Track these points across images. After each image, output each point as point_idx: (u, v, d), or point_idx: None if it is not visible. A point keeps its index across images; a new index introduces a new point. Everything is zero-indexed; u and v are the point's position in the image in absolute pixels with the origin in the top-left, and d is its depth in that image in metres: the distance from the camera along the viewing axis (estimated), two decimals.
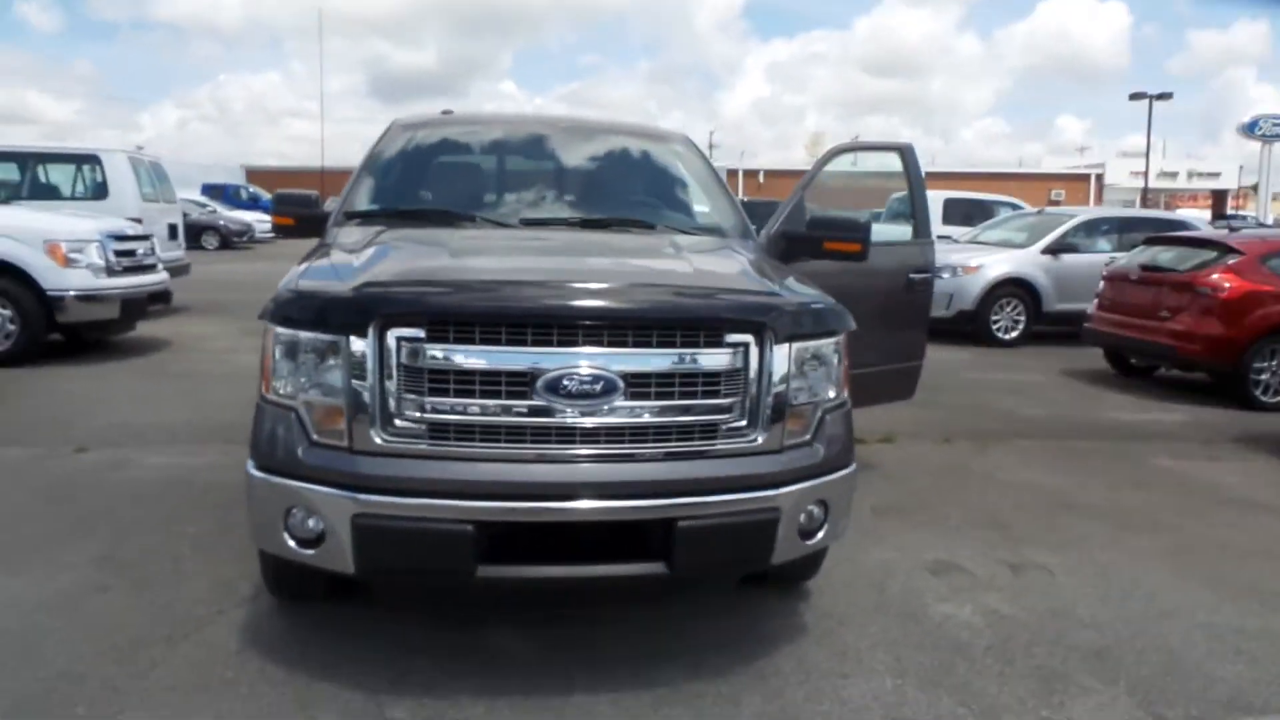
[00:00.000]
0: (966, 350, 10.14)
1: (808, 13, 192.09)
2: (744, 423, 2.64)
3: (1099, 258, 10.02)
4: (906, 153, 4.78)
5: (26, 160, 10.69)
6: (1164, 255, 8.35)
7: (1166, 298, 7.78)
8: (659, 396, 2.55)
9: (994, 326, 10.53)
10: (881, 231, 7.14)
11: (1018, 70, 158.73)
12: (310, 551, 2.52)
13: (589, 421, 2.49)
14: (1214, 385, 7.77)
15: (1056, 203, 38.50)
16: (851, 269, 4.42)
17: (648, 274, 2.78)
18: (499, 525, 2.44)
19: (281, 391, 2.57)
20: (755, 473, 2.61)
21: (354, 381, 2.46)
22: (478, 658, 2.85)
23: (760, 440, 2.65)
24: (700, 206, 4.12)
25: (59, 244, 7.24)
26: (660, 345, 2.55)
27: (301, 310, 2.56)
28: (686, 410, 2.58)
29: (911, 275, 4.66)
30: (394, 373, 2.46)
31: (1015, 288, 10.52)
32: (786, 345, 2.68)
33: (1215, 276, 7.48)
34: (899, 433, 6.04)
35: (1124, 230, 10.96)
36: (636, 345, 2.53)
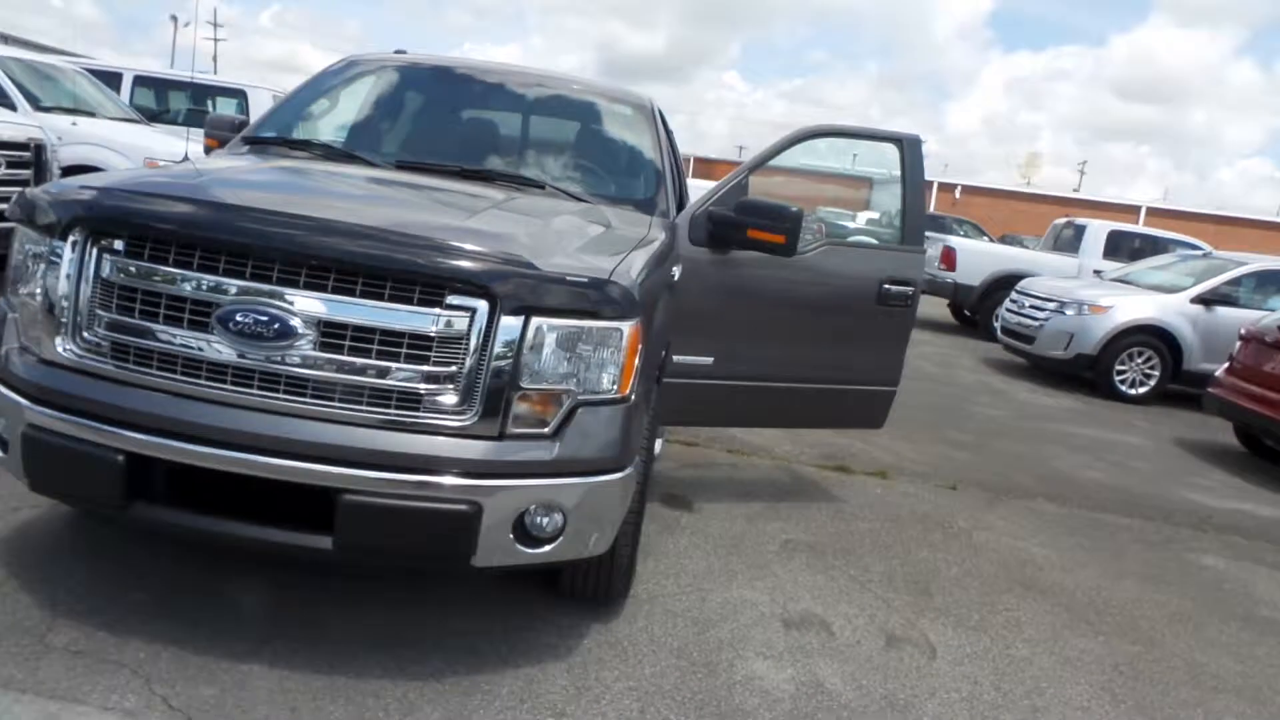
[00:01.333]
0: (1076, 399, 8.94)
1: (1061, 24, 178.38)
2: (455, 399, 2.29)
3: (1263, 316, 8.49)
4: (908, 145, 4.12)
5: (190, 89, 11.68)
6: None
7: None
8: (354, 353, 2.26)
9: (1118, 378, 9.21)
10: (861, 232, 6.35)
11: None
12: (3, 455, 2.44)
13: (269, 368, 2.24)
14: None
15: None
16: (809, 269, 3.91)
17: (414, 225, 2.47)
18: (149, 461, 2.24)
19: (11, 291, 2.51)
20: (452, 456, 2.27)
21: (58, 288, 2.35)
22: (191, 608, 2.68)
23: (471, 422, 2.29)
24: (622, 175, 3.74)
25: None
26: (365, 296, 2.26)
27: (27, 210, 2.47)
28: (384, 373, 2.27)
29: (886, 285, 4.02)
30: (90, 284, 2.32)
31: (1150, 336, 9.13)
32: (521, 318, 2.30)
33: None
34: (903, 470, 5.34)
35: None
36: (337, 292, 2.25)
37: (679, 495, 4.29)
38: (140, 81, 11.73)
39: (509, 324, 2.29)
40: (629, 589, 3.06)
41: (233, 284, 2.24)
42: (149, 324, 2.28)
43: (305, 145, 3.48)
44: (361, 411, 2.26)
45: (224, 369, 2.25)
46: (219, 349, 2.24)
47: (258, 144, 3.54)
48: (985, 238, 19.93)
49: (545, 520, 2.42)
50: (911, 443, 6.07)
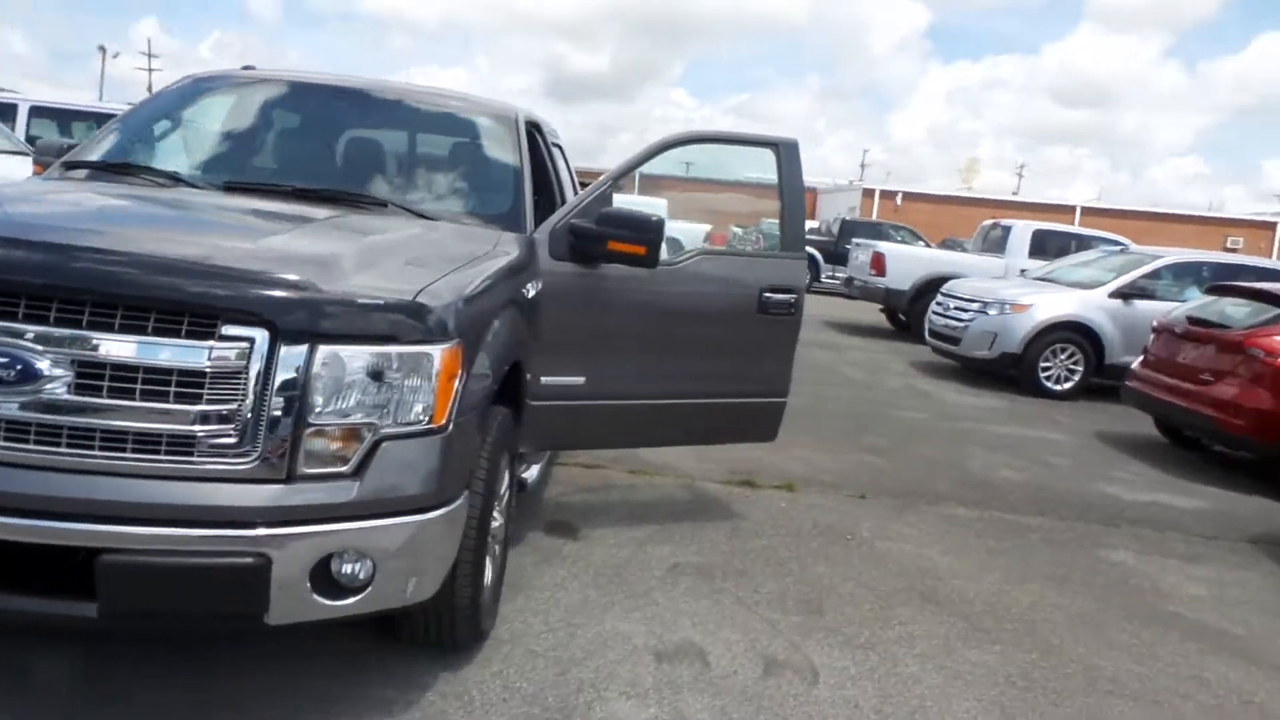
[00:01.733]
0: (1002, 397, 8.92)
1: (996, 35, 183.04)
2: (234, 440, 2.06)
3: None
4: (783, 150, 3.99)
5: (94, 119, 11.26)
6: (1226, 308, 6.96)
7: (1214, 359, 6.45)
8: (115, 394, 2.02)
9: (1043, 374, 9.22)
10: (737, 238, 6.25)
11: (1224, 108, 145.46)
12: None
13: (19, 415, 2.00)
14: (1266, 471, 6.37)
15: (1233, 250, 34.59)
16: (681, 279, 3.75)
17: (190, 249, 2.24)
18: None
19: None
20: (231, 505, 2.03)
21: None
22: None
23: (252, 465, 2.06)
24: (477, 190, 3.56)
25: None
26: (125, 330, 2.02)
27: None
28: (150, 415, 2.03)
29: (766, 293, 3.87)
30: None
31: (1072, 333, 9.16)
32: (305, 346, 2.08)
33: (1276, 339, 6.12)
34: (813, 482, 5.20)
35: (1221, 278, 9.36)
36: (93, 328, 2.02)
37: (565, 522, 4.08)
38: (38, 112, 11.29)
39: (291, 354, 2.07)
40: (482, 631, 2.83)
41: None
42: None
43: (126, 169, 3.23)
44: (126, 460, 2.02)
45: None
46: None
47: (76, 168, 3.29)
48: (921, 243, 20.09)
49: (351, 568, 2.19)
50: (827, 452, 5.94)
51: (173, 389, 2.03)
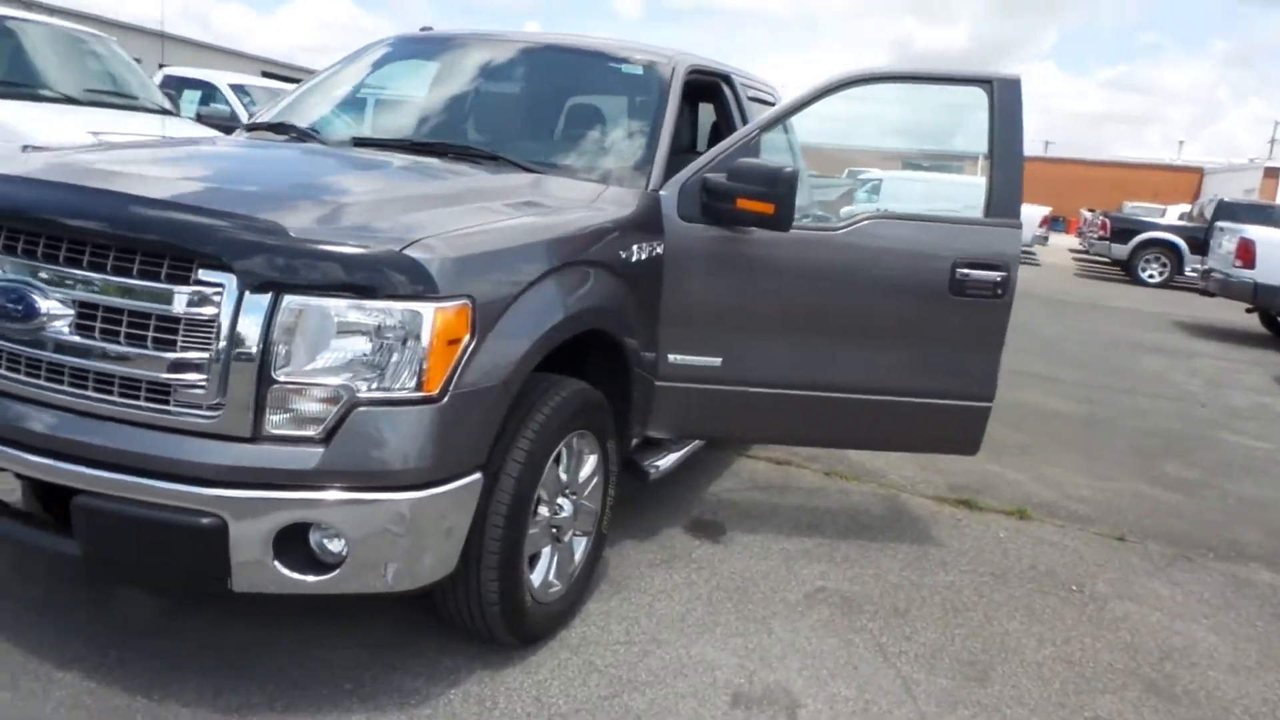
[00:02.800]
0: None
1: None
2: (203, 393, 1.95)
3: None
4: (999, 88, 3.14)
5: None
6: None
7: None
8: (104, 336, 2.00)
9: None
10: (927, 194, 5.02)
11: None
12: None
13: (28, 351, 2.05)
14: None
15: None
16: (844, 247, 3.16)
17: (205, 193, 2.17)
18: None
19: None
20: (191, 459, 1.92)
21: None
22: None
23: (216, 420, 1.93)
24: (602, 143, 3.26)
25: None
26: (114, 272, 1.99)
27: None
28: (130, 360, 1.98)
29: (962, 269, 3.09)
30: None
31: None
32: (269, 295, 1.91)
33: None
34: (1055, 510, 4.20)
35: None
36: (91, 268, 2.01)
37: (713, 521, 3.62)
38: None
39: (253, 302, 1.91)
40: (527, 633, 2.51)
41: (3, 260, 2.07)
42: None
43: (278, 128, 3.36)
44: (112, 404, 1.99)
45: None
46: None
47: (252, 130, 3.49)
48: None
49: (322, 543, 2.00)
50: (1095, 475, 4.79)
51: (150, 334, 1.96)
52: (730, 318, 3.11)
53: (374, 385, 1.96)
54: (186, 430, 1.95)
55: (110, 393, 1.99)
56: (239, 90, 11.38)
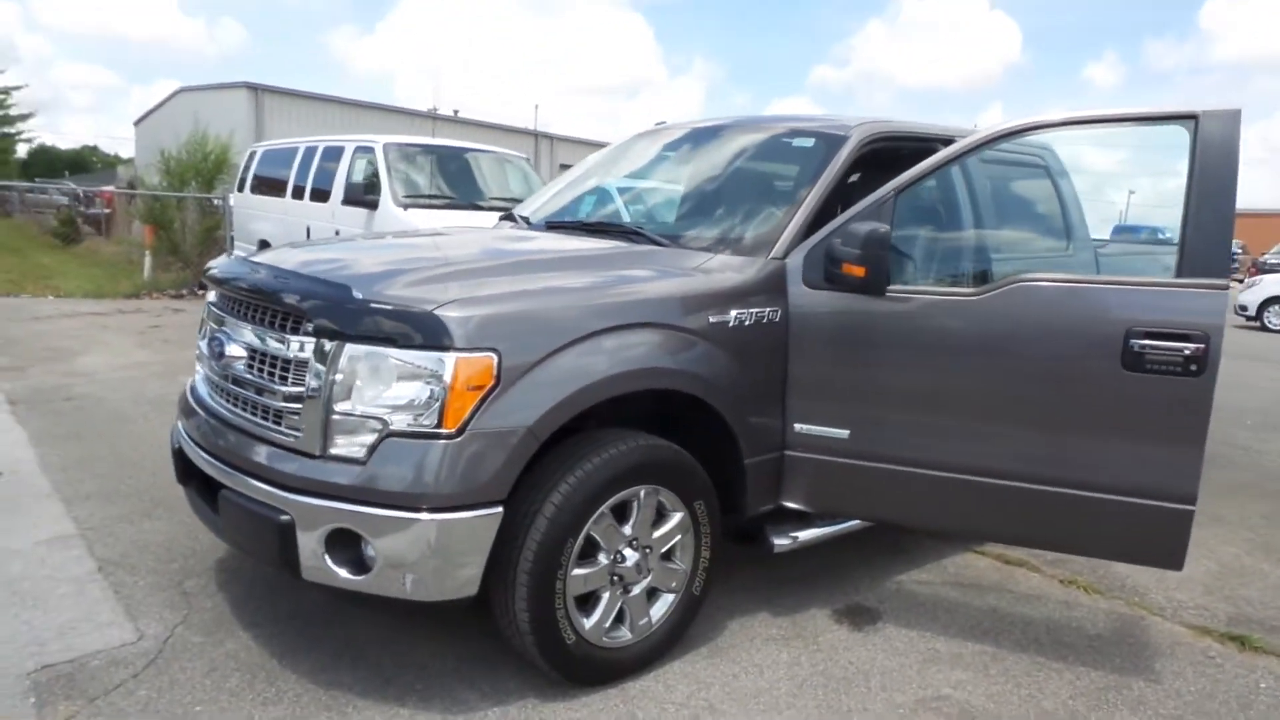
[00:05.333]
0: None
1: None
2: (297, 417, 2.51)
3: None
4: (1206, 124, 2.59)
5: None
6: None
7: None
8: (251, 370, 2.68)
9: None
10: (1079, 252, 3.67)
11: None
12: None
13: (224, 386, 2.82)
14: None
15: None
16: (988, 314, 2.90)
17: (342, 269, 2.79)
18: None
19: None
20: (277, 468, 2.50)
21: None
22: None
23: (298, 438, 2.48)
24: (734, 215, 3.35)
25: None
26: (267, 325, 2.67)
27: None
28: (261, 390, 2.63)
29: (1137, 340, 2.57)
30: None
31: None
32: (335, 344, 2.44)
33: None
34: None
35: None
36: (254, 322, 2.72)
37: (871, 608, 3.36)
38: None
39: (325, 349, 2.43)
40: (574, 674, 2.64)
41: (214, 313, 2.91)
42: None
43: (510, 217, 4.01)
44: (255, 421, 2.65)
45: (212, 384, 2.91)
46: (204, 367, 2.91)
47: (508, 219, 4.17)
48: None
49: (362, 548, 2.42)
50: None
51: (276, 370, 2.59)
52: (856, 388, 2.97)
53: (405, 420, 2.35)
54: (284, 446, 2.52)
55: (254, 413, 2.66)
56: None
